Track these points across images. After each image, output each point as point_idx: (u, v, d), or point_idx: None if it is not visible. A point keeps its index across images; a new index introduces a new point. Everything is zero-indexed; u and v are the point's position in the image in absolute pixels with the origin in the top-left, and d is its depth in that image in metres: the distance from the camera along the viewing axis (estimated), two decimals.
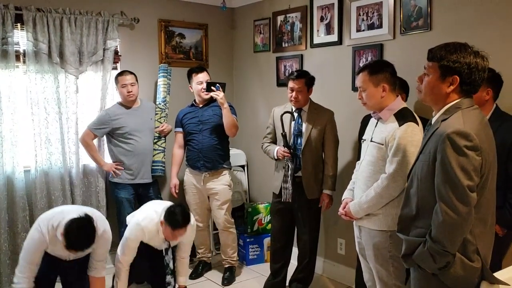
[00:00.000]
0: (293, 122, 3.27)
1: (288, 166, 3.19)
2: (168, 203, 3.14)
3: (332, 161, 3.23)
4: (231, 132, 3.59)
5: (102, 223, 2.82)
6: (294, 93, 3.19)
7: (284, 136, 3.23)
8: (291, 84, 3.21)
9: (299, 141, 3.24)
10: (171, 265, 3.15)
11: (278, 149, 3.26)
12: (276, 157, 3.28)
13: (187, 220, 2.97)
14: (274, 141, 3.41)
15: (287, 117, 3.28)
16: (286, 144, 3.22)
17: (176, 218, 2.93)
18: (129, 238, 3.04)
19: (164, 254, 3.11)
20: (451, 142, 1.66)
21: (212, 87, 3.50)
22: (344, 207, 2.53)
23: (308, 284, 3.46)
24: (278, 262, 3.45)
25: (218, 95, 3.47)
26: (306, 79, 3.22)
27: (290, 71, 4.01)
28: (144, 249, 3.10)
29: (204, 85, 3.60)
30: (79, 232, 2.55)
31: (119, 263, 3.08)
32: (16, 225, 3.48)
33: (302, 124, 3.25)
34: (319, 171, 3.26)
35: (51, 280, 2.88)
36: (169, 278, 3.15)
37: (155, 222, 3.03)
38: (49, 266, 2.80)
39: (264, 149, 3.44)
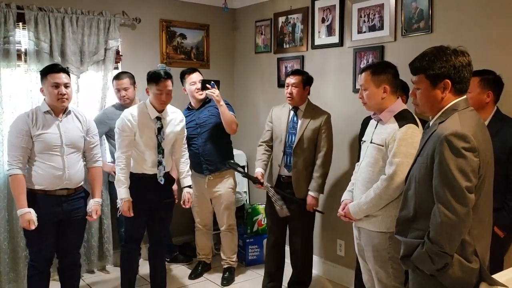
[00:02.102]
0: (288, 121, 3.29)
1: (270, 192, 3.24)
2: None
3: (323, 163, 3.21)
4: (231, 128, 3.56)
5: (87, 114, 3.07)
6: (289, 89, 3.21)
7: (245, 175, 3.36)
8: (287, 80, 3.24)
9: (293, 139, 3.25)
10: (162, 145, 3.15)
11: (257, 174, 3.33)
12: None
13: (168, 73, 3.10)
14: (271, 140, 3.42)
15: (282, 114, 3.32)
16: (254, 181, 3.30)
17: (157, 71, 3.07)
18: (119, 132, 3.08)
19: (156, 133, 3.12)
20: (448, 144, 1.67)
21: (207, 85, 3.47)
22: (344, 208, 2.53)
23: (307, 286, 3.46)
24: (272, 263, 3.45)
25: (214, 92, 3.43)
26: (303, 76, 3.23)
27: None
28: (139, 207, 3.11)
29: (198, 85, 3.56)
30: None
31: (116, 159, 3.10)
32: (15, 224, 3.48)
33: (297, 123, 3.26)
34: (310, 172, 3.25)
35: (51, 238, 2.86)
36: (160, 157, 3.16)
37: (141, 107, 3.12)
38: (48, 223, 2.80)
39: (257, 152, 3.46)
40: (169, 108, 3.21)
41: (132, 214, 3.04)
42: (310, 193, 3.21)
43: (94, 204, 2.95)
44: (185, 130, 3.36)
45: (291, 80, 3.21)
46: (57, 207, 2.82)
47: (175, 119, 3.23)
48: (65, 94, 2.77)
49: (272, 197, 3.22)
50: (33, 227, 2.69)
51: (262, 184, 3.28)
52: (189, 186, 3.32)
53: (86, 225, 3.08)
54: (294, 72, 3.26)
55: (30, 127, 2.73)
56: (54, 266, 3.02)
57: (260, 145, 3.46)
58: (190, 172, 3.38)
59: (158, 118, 3.12)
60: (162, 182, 3.18)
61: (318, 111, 3.29)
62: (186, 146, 3.40)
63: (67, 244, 2.94)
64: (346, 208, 2.51)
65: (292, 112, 3.30)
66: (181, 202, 3.30)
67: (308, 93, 3.30)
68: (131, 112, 3.09)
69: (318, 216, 3.78)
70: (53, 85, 2.76)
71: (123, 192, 3.04)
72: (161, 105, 3.09)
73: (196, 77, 3.65)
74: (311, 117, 3.24)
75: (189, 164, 3.39)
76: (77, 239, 3.00)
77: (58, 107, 2.81)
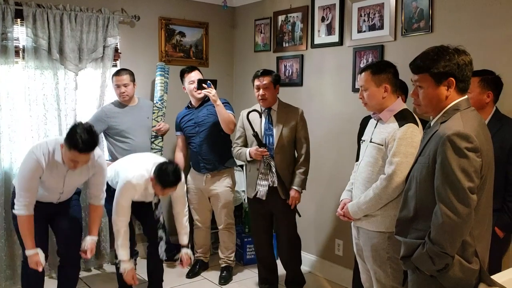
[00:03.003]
0: (263, 122, 3.24)
1: (269, 164, 3.14)
2: (159, 159, 3.09)
3: (304, 159, 3.21)
4: (228, 128, 3.54)
5: (98, 151, 2.85)
6: (261, 91, 3.18)
7: (256, 136, 3.19)
8: (257, 82, 3.20)
9: (271, 141, 3.21)
10: (161, 219, 3.12)
11: (251, 151, 3.19)
12: (250, 159, 3.22)
13: (178, 179, 2.92)
14: (245, 145, 3.35)
15: (255, 116, 3.26)
16: (260, 143, 3.17)
17: (167, 178, 2.87)
18: (121, 198, 2.99)
19: (154, 208, 3.07)
20: (451, 144, 1.66)
21: (203, 84, 3.46)
22: (343, 208, 2.52)
23: (301, 285, 3.44)
24: (264, 268, 3.45)
25: (210, 92, 3.42)
26: (273, 76, 3.22)
27: (290, 71, 4.01)
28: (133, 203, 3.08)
29: (196, 84, 3.57)
30: (84, 132, 2.54)
31: (116, 225, 3.01)
32: (12, 221, 3.46)
33: (272, 124, 3.23)
34: (292, 170, 3.24)
35: (42, 233, 2.87)
36: (160, 232, 3.13)
37: (145, 179, 2.97)
38: (38, 218, 2.78)
39: (235, 154, 3.38)
40: None
41: (137, 283, 3.06)
42: (294, 187, 3.20)
43: (90, 242, 2.91)
44: (185, 188, 3.28)
45: (262, 81, 3.17)
46: (50, 204, 2.86)
47: (177, 191, 3.10)
48: (78, 166, 2.67)
49: (266, 165, 3.15)
50: (40, 269, 2.70)
51: (266, 148, 3.15)
52: (187, 246, 3.24)
53: (81, 217, 3.04)
54: (263, 73, 3.20)
55: (43, 169, 2.66)
56: (52, 264, 3.01)
57: (235, 147, 3.39)
58: (188, 229, 3.30)
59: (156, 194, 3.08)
60: (164, 259, 3.20)
61: (291, 108, 3.28)
62: (187, 203, 3.34)
63: (65, 235, 2.93)
64: (345, 207, 2.50)
65: (265, 114, 3.26)
66: (178, 262, 3.23)
67: (278, 92, 3.27)
68: (137, 189, 2.98)
69: (316, 215, 3.78)
70: (71, 159, 2.61)
71: (126, 262, 2.99)
72: (162, 196, 3.07)
73: (195, 75, 3.66)
74: (285, 115, 3.22)
75: (188, 219, 3.30)
76: (73, 228, 2.96)
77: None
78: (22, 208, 2.66)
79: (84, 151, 2.55)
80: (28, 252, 2.68)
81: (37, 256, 2.68)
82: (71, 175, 2.78)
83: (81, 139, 2.52)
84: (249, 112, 3.29)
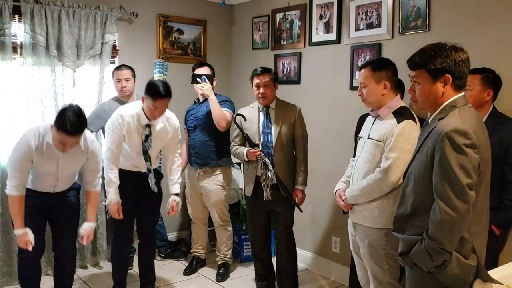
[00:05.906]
0: (261, 121, 3.24)
1: (264, 163, 3.09)
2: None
3: (303, 156, 3.22)
4: (219, 125, 3.51)
5: (91, 136, 2.93)
6: (261, 89, 3.16)
7: (247, 137, 3.19)
8: (257, 80, 3.17)
9: (269, 139, 3.19)
10: (150, 152, 3.10)
11: (247, 152, 3.17)
12: (247, 159, 3.20)
13: (168, 91, 2.94)
14: (243, 144, 3.33)
15: (254, 117, 3.24)
16: (251, 144, 3.15)
17: (158, 88, 2.89)
18: (110, 128, 3.01)
19: (143, 140, 3.06)
20: (450, 141, 1.66)
21: (198, 79, 3.47)
22: (339, 196, 2.53)
23: (293, 276, 3.41)
24: (260, 265, 3.44)
25: (204, 86, 3.44)
26: (272, 74, 3.21)
27: (288, 69, 4.02)
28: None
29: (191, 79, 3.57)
30: (73, 114, 2.59)
31: (106, 160, 3.01)
32: (9, 217, 3.44)
33: (271, 122, 3.22)
34: (292, 167, 3.24)
35: (39, 227, 2.87)
36: (148, 164, 3.11)
37: (134, 106, 3.04)
38: (36, 211, 2.83)
39: (233, 152, 3.37)
40: (165, 113, 3.11)
41: (121, 217, 3.01)
42: (298, 187, 3.21)
43: (87, 229, 2.89)
44: (179, 134, 3.28)
45: (262, 79, 3.15)
46: (47, 196, 2.86)
47: (168, 125, 3.15)
48: (67, 148, 2.70)
49: (262, 164, 3.11)
50: (30, 248, 2.69)
51: (258, 147, 3.13)
52: (177, 194, 3.23)
53: (79, 211, 3.06)
54: (263, 71, 3.18)
55: (33, 151, 2.68)
56: (49, 261, 3.00)
57: (233, 146, 3.36)
58: (180, 180, 3.30)
59: (148, 125, 3.07)
60: (156, 191, 3.13)
61: (289, 105, 3.27)
62: (179, 152, 3.34)
63: (61, 226, 2.93)
64: (342, 194, 2.51)
65: (263, 112, 3.25)
66: (166, 210, 3.22)
67: (276, 89, 3.27)
68: (121, 114, 3.03)
69: (313, 212, 3.79)
70: (60, 141, 2.66)
71: (113, 193, 3.00)
72: (153, 118, 3.03)
73: (202, 71, 3.64)
74: (283, 113, 3.21)
75: (180, 172, 3.33)
76: (70, 220, 2.97)
77: None
78: (13, 189, 2.69)
79: (72, 133, 2.59)
80: (17, 232, 2.69)
81: (26, 236, 2.68)
82: (64, 159, 2.78)
83: (70, 121, 2.56)
84: (236, 115, 3.29)
